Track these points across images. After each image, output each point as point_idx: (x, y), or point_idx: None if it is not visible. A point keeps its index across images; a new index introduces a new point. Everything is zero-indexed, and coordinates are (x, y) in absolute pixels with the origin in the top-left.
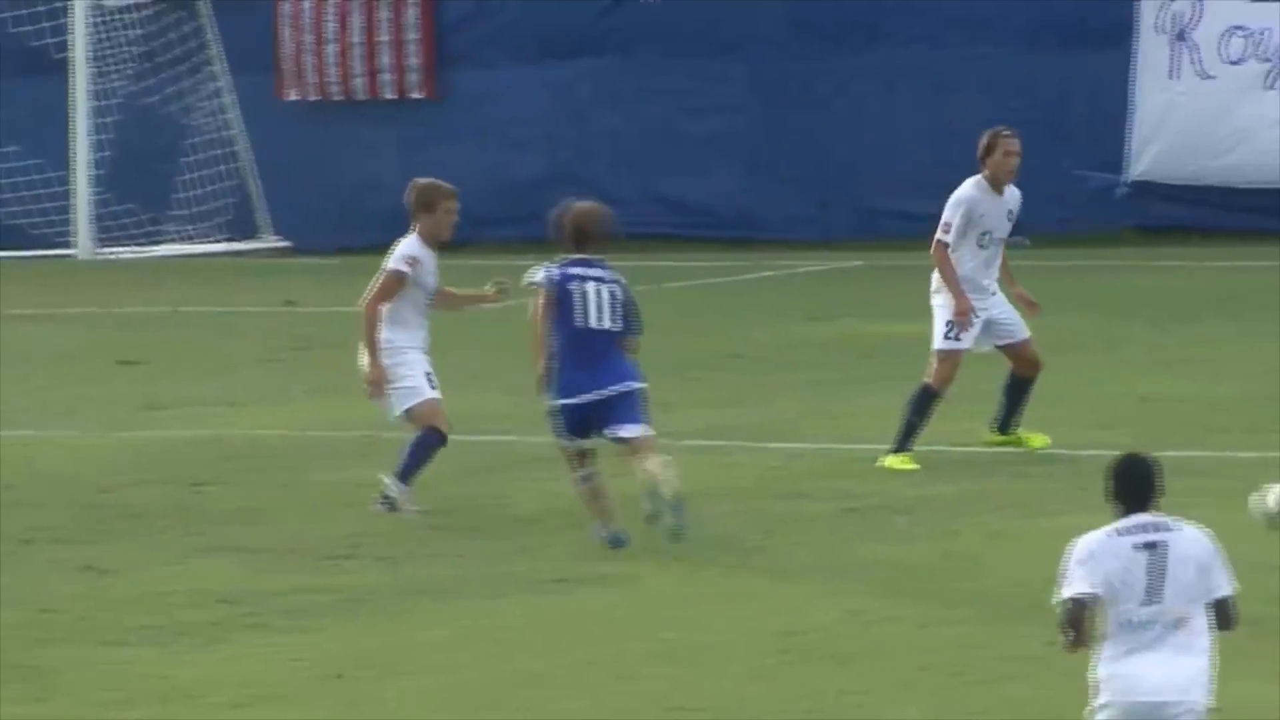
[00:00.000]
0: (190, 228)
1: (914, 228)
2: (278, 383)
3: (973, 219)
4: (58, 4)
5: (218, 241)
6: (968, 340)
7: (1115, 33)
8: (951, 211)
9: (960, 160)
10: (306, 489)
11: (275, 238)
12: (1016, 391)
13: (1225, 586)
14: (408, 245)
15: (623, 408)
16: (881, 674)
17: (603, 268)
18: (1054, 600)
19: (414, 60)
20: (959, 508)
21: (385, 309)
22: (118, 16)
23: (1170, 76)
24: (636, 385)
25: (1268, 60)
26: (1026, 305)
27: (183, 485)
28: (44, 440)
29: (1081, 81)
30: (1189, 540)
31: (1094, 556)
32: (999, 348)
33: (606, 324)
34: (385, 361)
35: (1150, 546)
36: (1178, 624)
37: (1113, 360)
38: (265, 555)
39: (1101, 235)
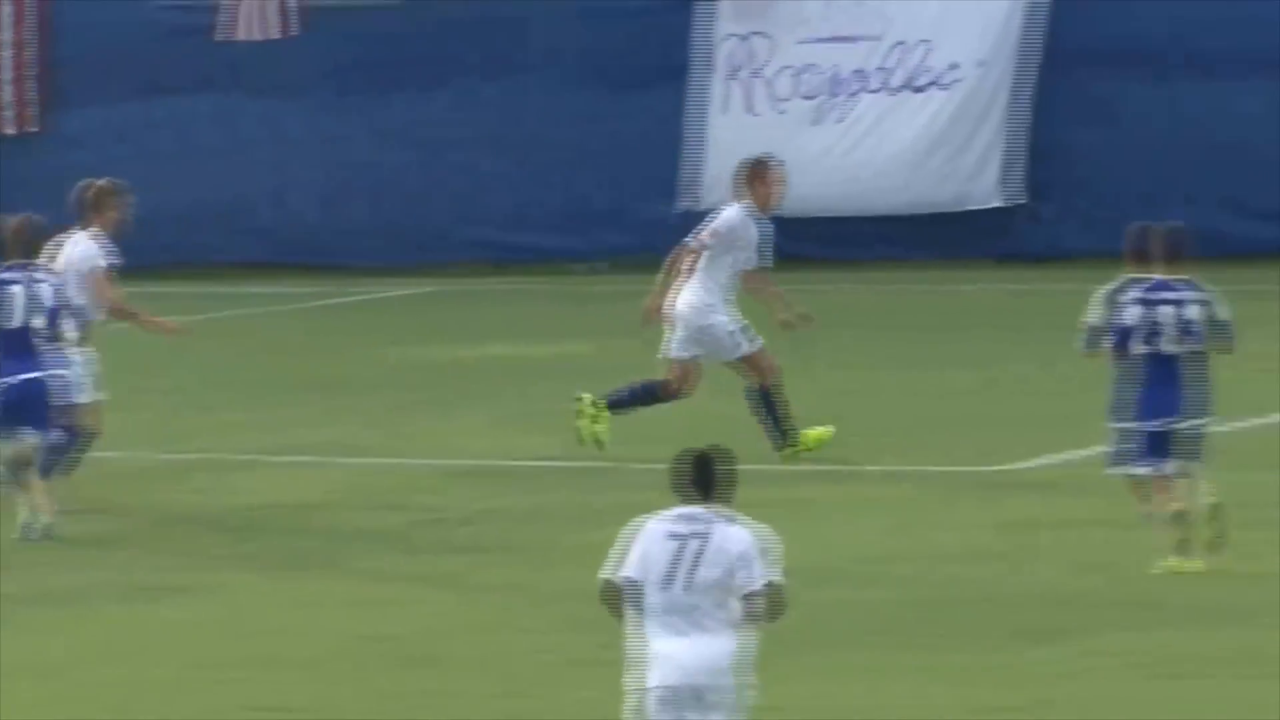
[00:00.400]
0: None
1: (489, 254)
2: None
3: (737, 243)
4: None
5: None
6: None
7: (674, 69)
8: (721, 225)
9: (528, 187)
10: None
11: None
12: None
13: (763, 579)
14: (101, 241)
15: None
16: (474, 677)
17: (41, 270)
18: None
19: (26, 96)
20: (528, 519)
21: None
22: None
23: (727, 112)
24: (42, 374)
25: (816, 97)
26: (802, 320)
27: None
28: None
29: (639, 116)
30: (729, 537)
31: (635, 542)
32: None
33: (32, 322)
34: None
35: (685, 537)
36: (711, 611)
37: None
38: None
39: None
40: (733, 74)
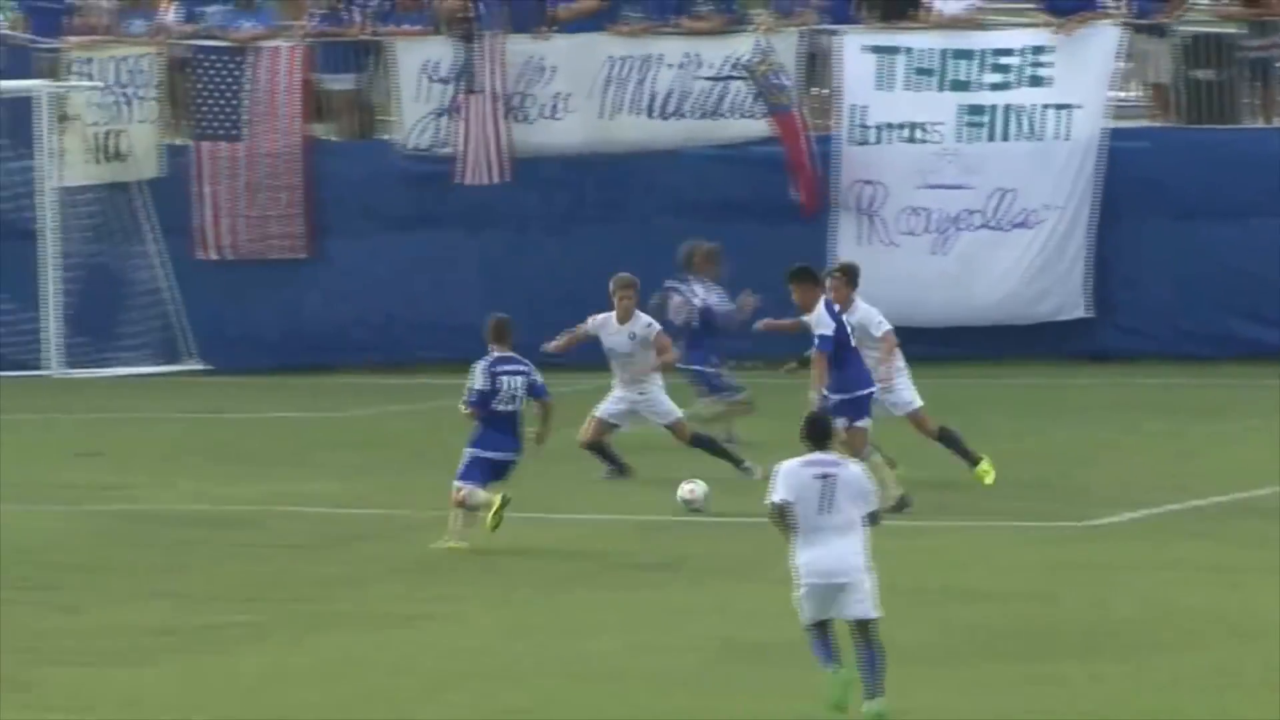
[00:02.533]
0: (132, 354)
1: None
2: (203, 468)
3: None
4: (28, 187)
5: (154, 364)
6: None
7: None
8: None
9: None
10: (212, 550)
11: (198, 362)
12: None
13: (874, 504)
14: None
15: None
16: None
17: None
18: (764, 502)
19: (298, 228)
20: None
21: None
22: (77, 196)
23: (860, 243)
24: None
25: (934, 233)
26: None
27: (125, 546)
28: (26, 513)
29: (792, 247)
30: (850, 474)
31: (788, 476)
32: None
33: None
34: None
35: (824, 477)
36: (845, 527)
37: None
38: (188, 599)
39: None
40: (869, 213)
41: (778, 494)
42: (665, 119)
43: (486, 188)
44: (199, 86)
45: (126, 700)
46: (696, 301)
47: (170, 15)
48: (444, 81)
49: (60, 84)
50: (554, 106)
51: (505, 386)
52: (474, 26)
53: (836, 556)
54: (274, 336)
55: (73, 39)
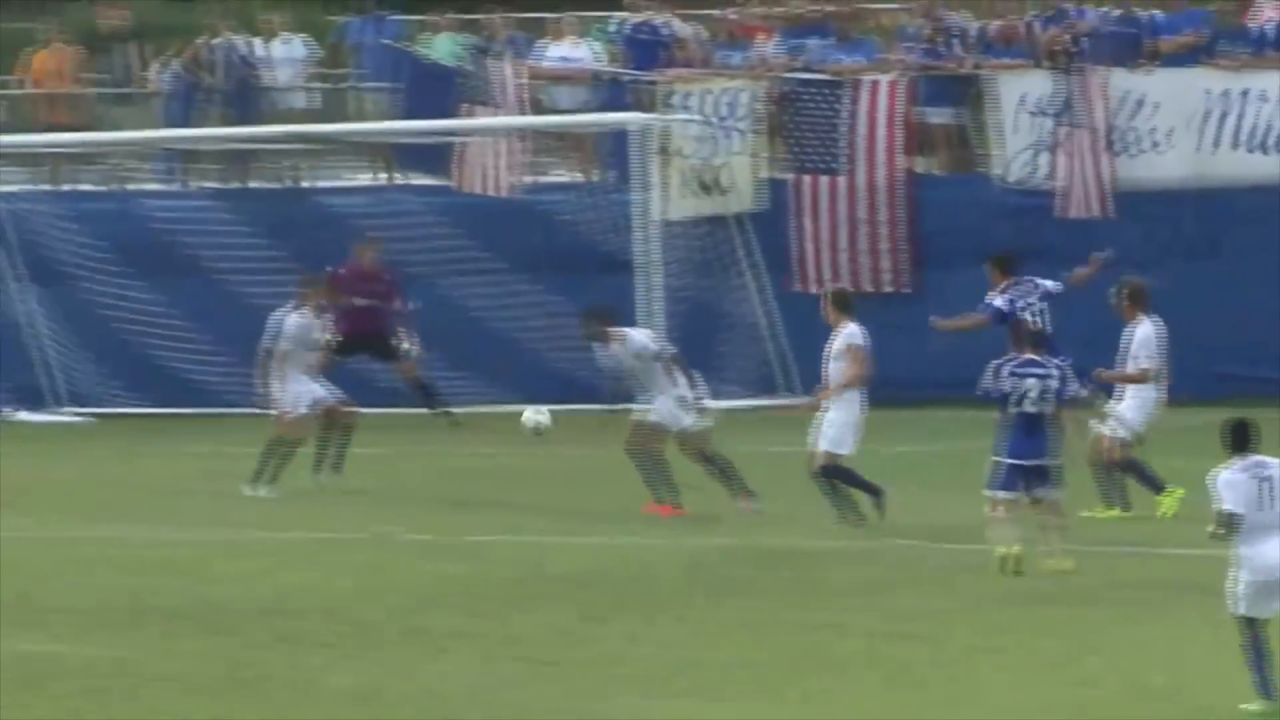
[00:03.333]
0: (732, 387)
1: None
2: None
3: None
4: (625, 220)
5: (753, 398)
6: None
7: None
8: None
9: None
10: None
11: (799, 395)
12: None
13: None
14: None
15: None
16: None
17: None
18: (1215, 508)
19: (900, 262)
20: None
21: None
22: (675, 228)
23: None
24: None
25: None
26: None
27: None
28: (561, 545)
29: None
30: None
31: (1230, 485)
32: None
33: None
34: None
35: (1262, 478)
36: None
37: None
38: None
39: None
40: None
41: (1229, 504)
42: (1265, 153)
43: (1084, 221)
44: (798, 120)
45: None
46: None
47: (770, 48)
48: (1043, 114)
49: (660, 117)
50: (1154, 141)
51: (1015, 387)
52: (1074, 60)
53: (1276, 552)
54: (877, 370)
55: (669, 72)
